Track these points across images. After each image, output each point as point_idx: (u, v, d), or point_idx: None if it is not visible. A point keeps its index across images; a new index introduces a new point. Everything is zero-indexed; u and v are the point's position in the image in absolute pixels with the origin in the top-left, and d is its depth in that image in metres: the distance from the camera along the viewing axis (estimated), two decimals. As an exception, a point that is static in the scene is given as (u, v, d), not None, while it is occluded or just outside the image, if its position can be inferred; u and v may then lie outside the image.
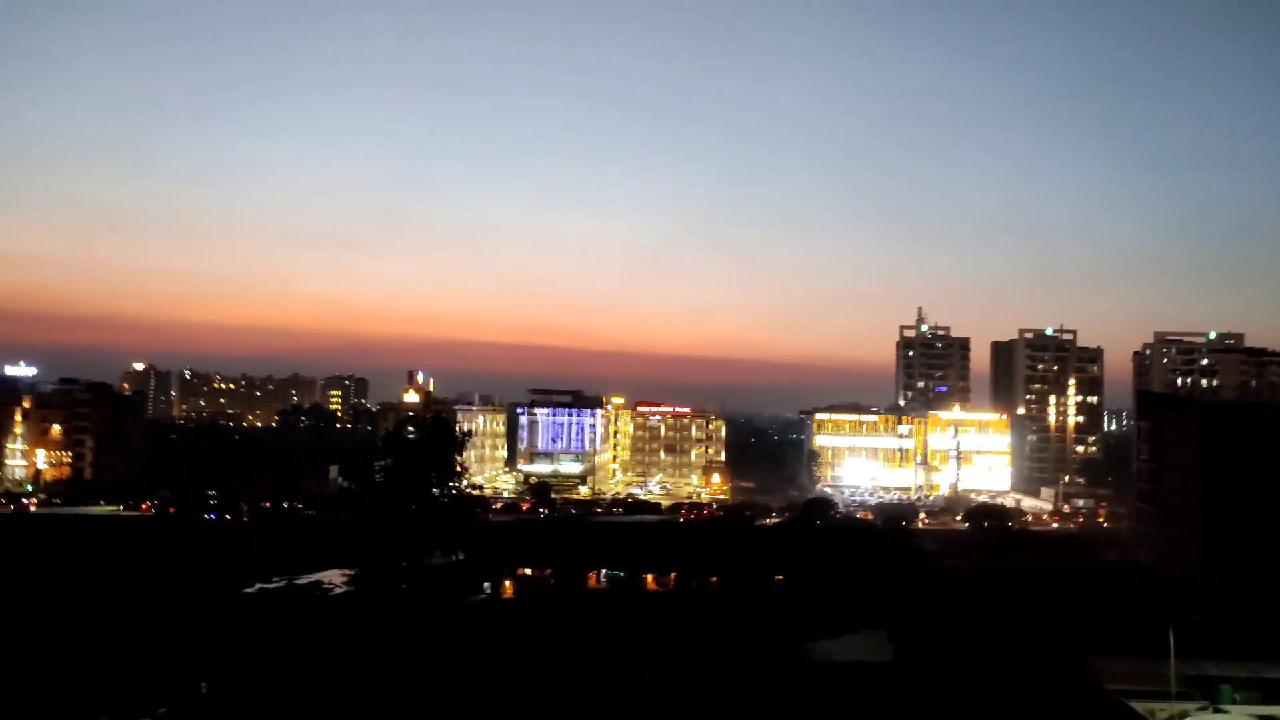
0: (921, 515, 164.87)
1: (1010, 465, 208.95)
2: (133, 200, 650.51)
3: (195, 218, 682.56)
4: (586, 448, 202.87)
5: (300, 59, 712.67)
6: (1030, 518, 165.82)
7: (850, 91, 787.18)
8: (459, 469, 74.97)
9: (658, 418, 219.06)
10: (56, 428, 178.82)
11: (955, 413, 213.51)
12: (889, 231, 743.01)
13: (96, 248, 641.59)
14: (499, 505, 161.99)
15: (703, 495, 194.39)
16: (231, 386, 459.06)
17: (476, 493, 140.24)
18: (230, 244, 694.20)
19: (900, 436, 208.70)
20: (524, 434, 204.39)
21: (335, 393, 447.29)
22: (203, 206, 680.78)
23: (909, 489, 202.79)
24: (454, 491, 73.13)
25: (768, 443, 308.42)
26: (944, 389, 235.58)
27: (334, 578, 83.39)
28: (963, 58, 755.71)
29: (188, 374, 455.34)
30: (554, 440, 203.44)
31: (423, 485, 69.85)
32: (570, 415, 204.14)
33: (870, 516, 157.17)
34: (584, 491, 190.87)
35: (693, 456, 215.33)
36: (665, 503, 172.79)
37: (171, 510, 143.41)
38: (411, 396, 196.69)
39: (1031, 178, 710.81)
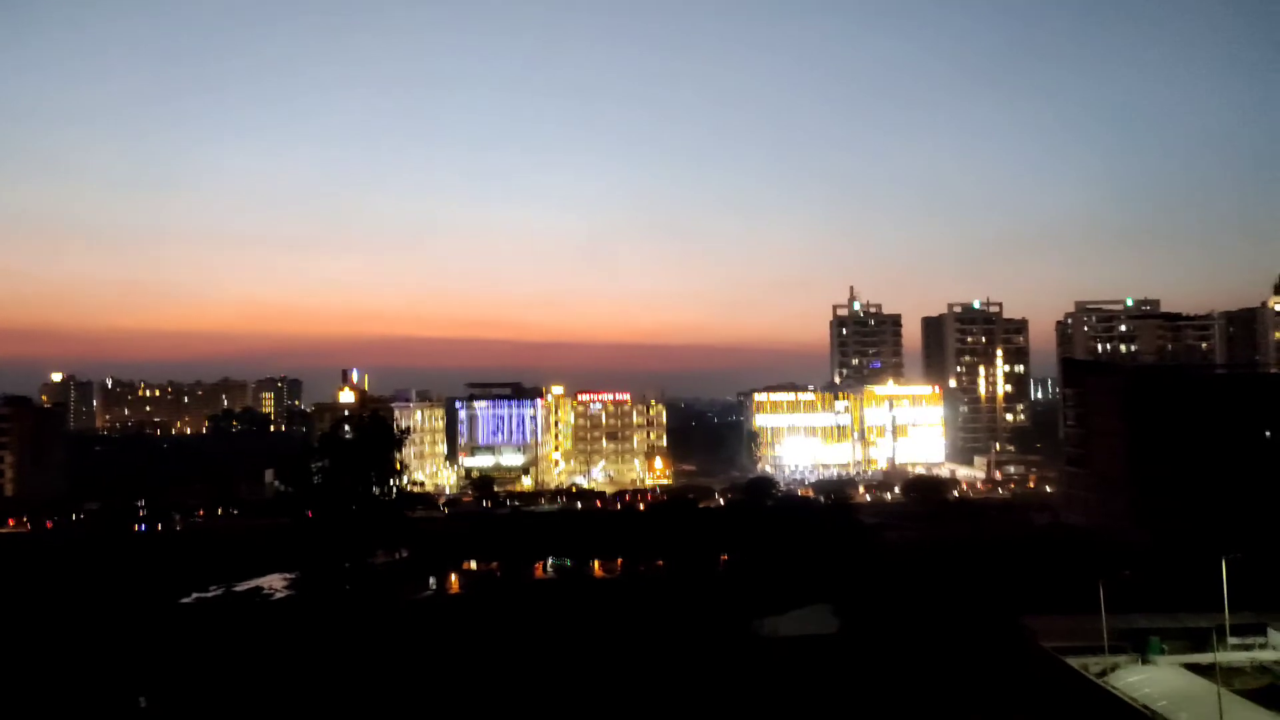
0: (861, 489, 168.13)
1: (944, 436, 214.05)
2: (58, 209, 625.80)
3: (123, 225, 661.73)
4: (528, 439, 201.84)
5: (228, 62, 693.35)
6: (965, 487, 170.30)
7: (785, 73, 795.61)
8: (398, 466, 73.88)
9: (598, 405, 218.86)
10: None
11: (890, 387, 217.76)
12: (823, 213, 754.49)
13: (19, 258, 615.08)
14: (442, 500, 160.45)
15: (646, 481, 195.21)
16: (158, 394, 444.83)
17: (418, 489, 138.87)
18: (158, 250, 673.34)
19: (837, 414, 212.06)
20: (464, 428, 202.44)
21: (268, 395, 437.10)
22: (131, 213, 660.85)
23: (848, 464, 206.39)
24: (394, 489, 72.09)
25: (709, 426, 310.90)
26: (878, 365, 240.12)
27: (274, 583, 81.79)
28: (885, 37, 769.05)
29: (109, 383, 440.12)
30: (495, 433, 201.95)
31: (362, 485, 68.69)
32: (510, 407, 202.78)
33: (811, 493, 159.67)
34: (527, 483, 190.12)
35: (635, 443, 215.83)
36: (609, 490, 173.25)
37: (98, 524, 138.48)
38: (347, 396, 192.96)
39: (956, 152, 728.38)
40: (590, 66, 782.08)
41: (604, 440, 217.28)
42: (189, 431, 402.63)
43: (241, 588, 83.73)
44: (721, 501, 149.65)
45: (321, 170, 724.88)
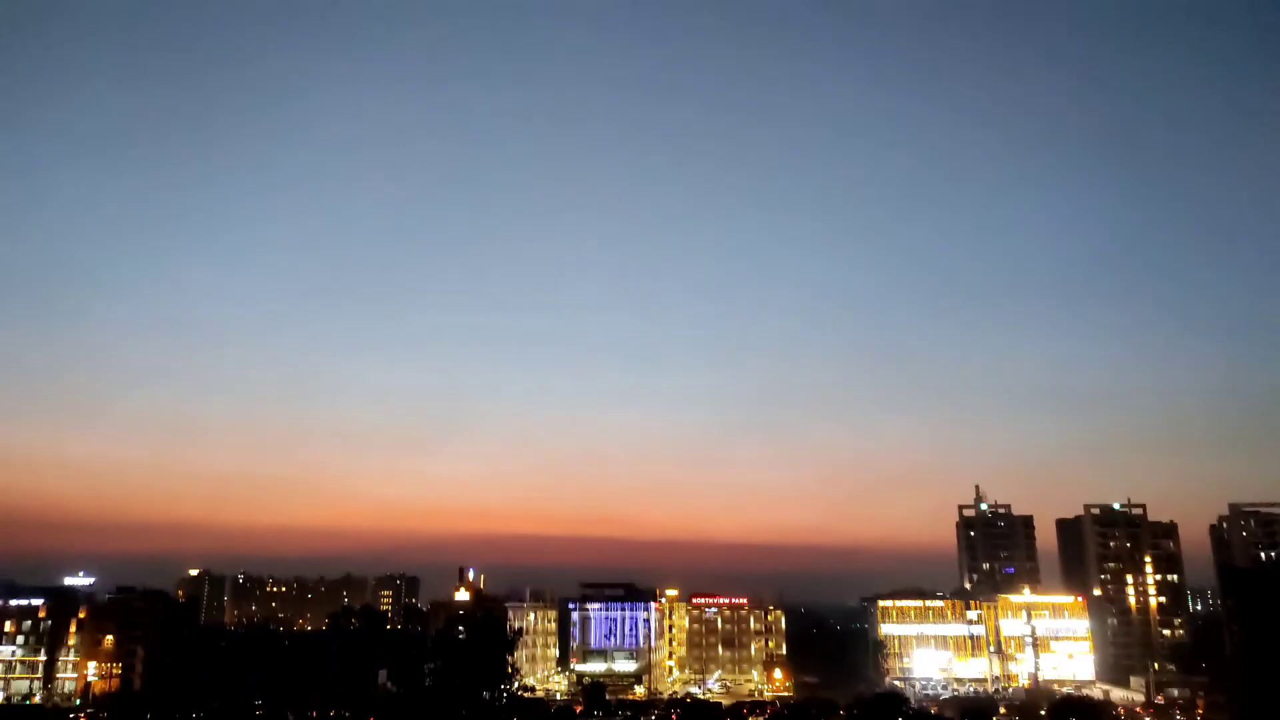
0: (1001, 710, 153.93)
1: (1092, 652, 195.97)
2: (199, 413, 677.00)
3: (259, 426, 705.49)
4: (640, 644, 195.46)
5: (348, 276, 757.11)
6: (1122, 711, 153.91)
7: (887, 268, 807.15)
8: (510, 670, 72.92)
9: (714, 610, 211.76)
10: (109, 638, 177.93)
11: (1026, 595, 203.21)
12: (938, 407, 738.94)
13: (164, 457, 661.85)
14: (553, 709, 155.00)
15: (765, 693, 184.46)
16: (284, 589, 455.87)
17: (529, 695, 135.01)
18: (291, 449, 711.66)
19: (969, 623, 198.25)
20: (576, 631, 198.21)
21: (386, 592, 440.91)
22: (266, 416, 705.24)
23: (984, 680, 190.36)
24: (505, 694, 70.78)
25: (829, 633, 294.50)
26: (1011, 570, 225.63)
27: (381, 792, 79.47)
28: (1007, 227, 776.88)
29: (241, 578, 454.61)
30: (607, 637, 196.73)
31: (473, 688, 67.84)
32: (623, 610, 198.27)
33: (946, 712, 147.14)
34: (639, 691, 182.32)
35: (752, 650, 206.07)
36: (726, 702, 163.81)
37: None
38: (462, 594, 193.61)
39: (1086, 345, 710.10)
40: (685, 272, 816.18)
41: (719, 647, 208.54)
42: (309, 628, 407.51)
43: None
44: (842, 718, 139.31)
45: (442, 376, 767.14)
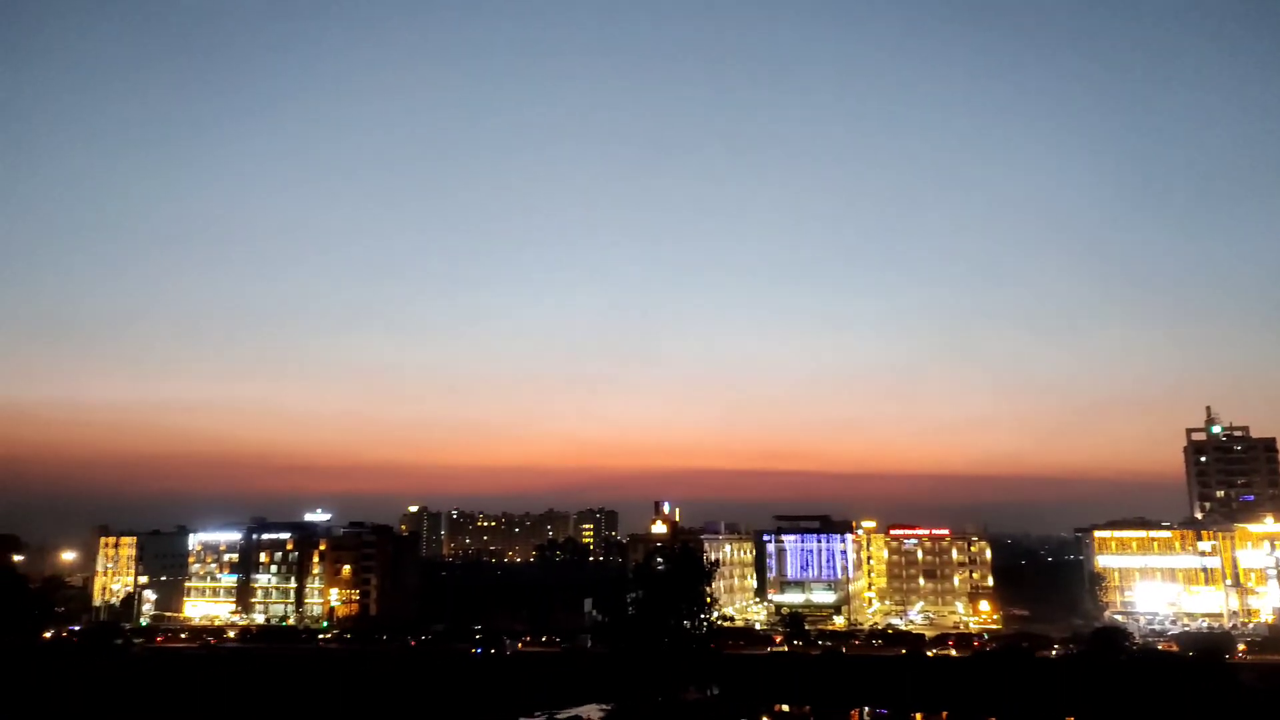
0: (1240, 647, 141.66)
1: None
2: (400, 358, 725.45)
3: (454, 370, 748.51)
4: (839, 575, 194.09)
5: (532, 215, 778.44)
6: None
7: (1101, 168, 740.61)
8: (709, 600, 73.98)
9: (913, 541, 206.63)
10: (347, 568, 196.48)
11: (1269, 525, 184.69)
12: (1161, 322, 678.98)
13: (370, 403, 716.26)
14: (752, 637, 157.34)
15: (971, 625, 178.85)
16: (493, 524, 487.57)
17: (728, 624, 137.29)
18: (485, 391, 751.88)
19: (1202, 555, 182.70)
20: (772, 562, 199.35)
21: (587, 526, 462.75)
22: (459, 359, 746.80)
23: (1220, 615, 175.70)
24: (705, 623, 71.96)
25: (1040, 565, 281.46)
26: (1250, 498, 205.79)
27: (591, 713, 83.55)
28: (1239, 120, 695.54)
29: (455, 514, 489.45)
30: (804, 568, 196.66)
31: (674, 617, 69.39)
32: (819, 541, 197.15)
33: (1174, 648, 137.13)
34: (839, 622, 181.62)
35: (955, 582, 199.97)
36: (929, 633, 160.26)
37: (444, 645, 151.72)
38: (659, 527, 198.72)
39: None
40: (885, 196, 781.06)
41: (921, 579, 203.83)
42: (518, 560, 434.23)
43: (561, 716, 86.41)
44: (1062, 652, 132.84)
45: (624, 311, 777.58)
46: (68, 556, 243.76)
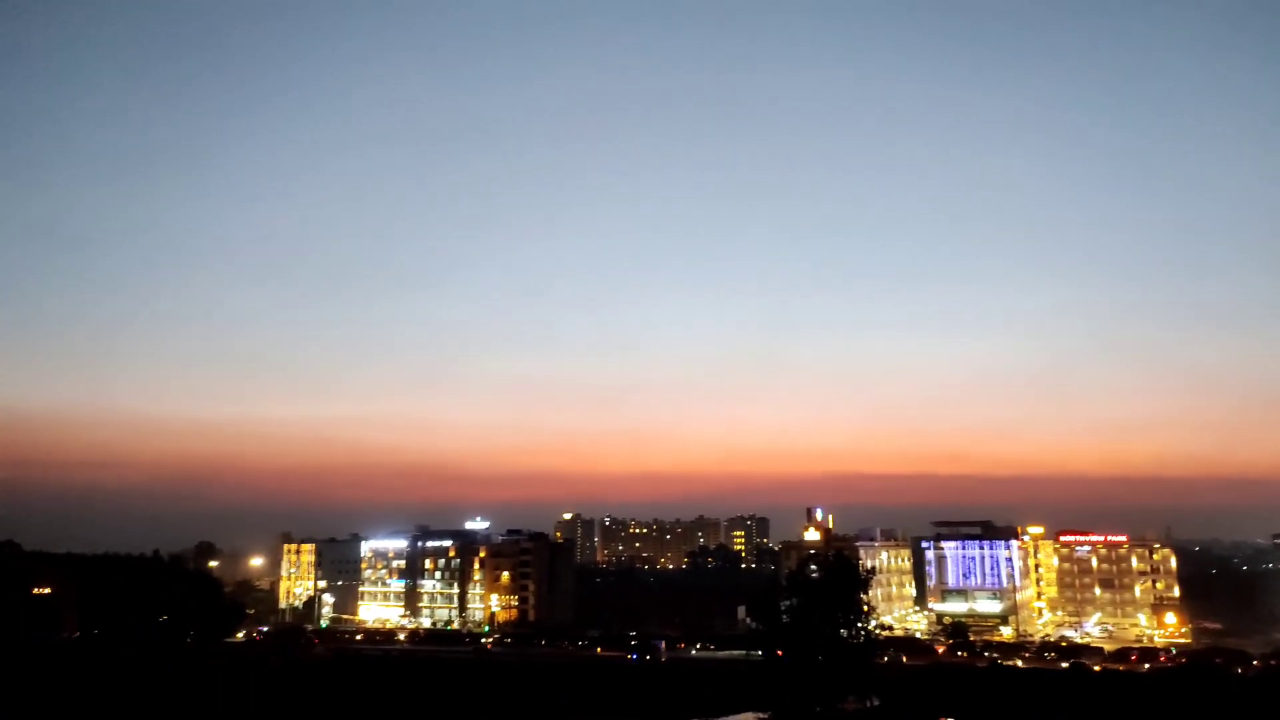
0: None
1: None
2: (550, 372, 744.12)
3: (601, 381, 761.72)
4: (1004, 584, 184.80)
5: (670, 227, 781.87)
6: None
7: (1269, 151, 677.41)
8: (865, 608, 71.91)
9: (1086, 548, 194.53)
10: (506, 575, 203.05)
11: None
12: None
13: (519, 415, 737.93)
14: (912, 646, 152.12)
15: (1155, 639, 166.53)
16: (645, 531, 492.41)
17: (886, 633, 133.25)
18: (633, 401, 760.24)
19: None
20: (931, 570, 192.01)
21: (738, 533, 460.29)
22: (606, 371, 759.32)
23: None
24: (863, 632, 69.97)
25: (1233, 574, 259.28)
26: None
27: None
28: None
29: (607, 521, 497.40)
30: (965, 576, 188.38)
31: (830, 625, 67.83)
32: (981, 548, 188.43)
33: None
34: (1006, 633, 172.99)
35: (1136, 593, 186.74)
36: (1108, 647, 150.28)
37: (599, 651, 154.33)
38: (812, 534, 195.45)
39: None
40: (1022, 181, 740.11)
41: (1096, 588, 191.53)
42: (670, 566, 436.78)
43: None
44: (1255, 669, 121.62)
45: (768, 317, 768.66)
46: (255, 562, 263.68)
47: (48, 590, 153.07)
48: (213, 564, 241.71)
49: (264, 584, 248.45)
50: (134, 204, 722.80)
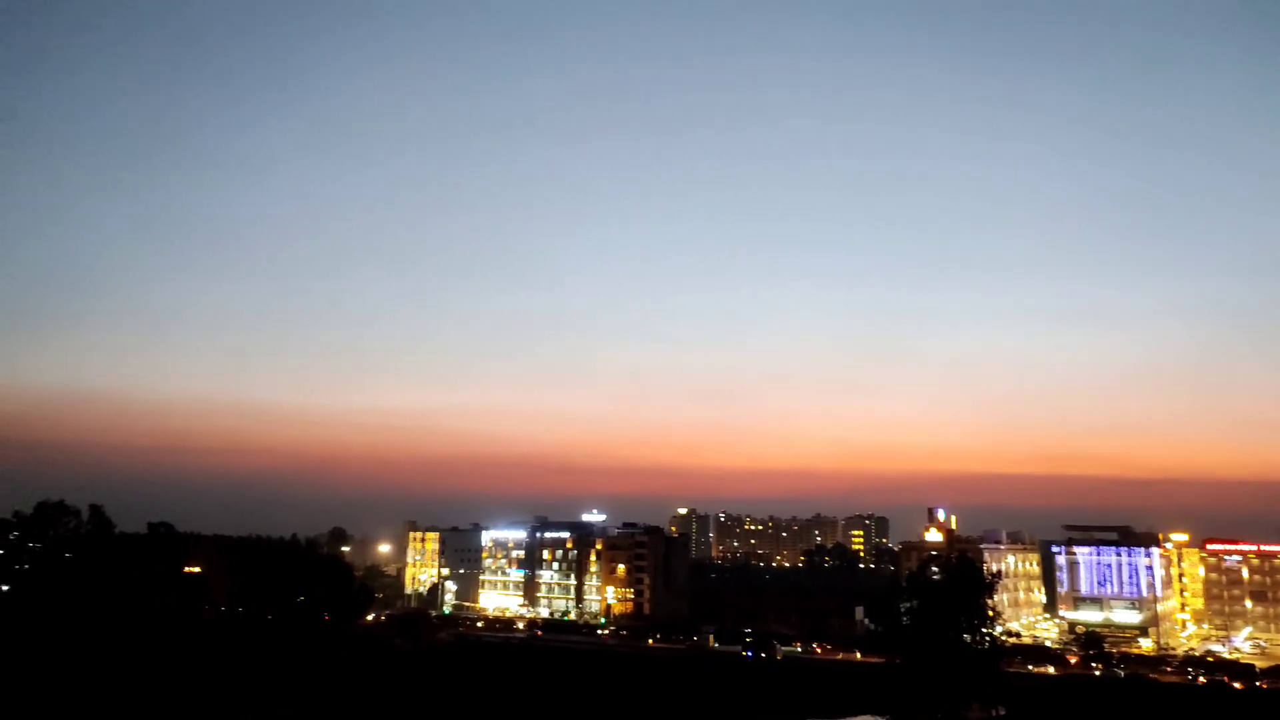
0: None
1: None
2: (664, 364, 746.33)
3: (716, 374, 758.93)
4: (1143, 593, 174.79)
5: (786, 218, 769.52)
6: None
7: None
8: (991, 613, 69.39)
9: (1236, 558, 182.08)
10: (621, 567, 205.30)
11: None
12: None
13: (630, 407, 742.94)
14: (1042, 655, 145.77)
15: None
16: (760, 528, 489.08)
17: (1013, 640, 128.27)
18: (748, 395, 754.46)
19: None
20: (1063, 576, 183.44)
21: (856, 532, 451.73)
22: (720, 364, 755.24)
23: None
24: (988, 637, 67.58)
25: None
26: None
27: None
28: None
29: (722, 517, 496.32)
30: (1100, 584, 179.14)
31: (952, 629, 65.84)
32: (1118, 555, 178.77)
33: None
34: (1146, 645, 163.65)
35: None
36: (1259, 664, 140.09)
37: (715, 646, 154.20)
38: (933, 535, 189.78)
39: None
40: (1151, 161, 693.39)
41: (1247, 601, 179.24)
42: (786, 564, 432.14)
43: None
44: None
45: (885, 311, 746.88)
46: (383, 549, 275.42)
47: (197, 569, 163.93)
48: (344, 549, 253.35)
49: (391, 570, 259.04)
50: (276, 207, 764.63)
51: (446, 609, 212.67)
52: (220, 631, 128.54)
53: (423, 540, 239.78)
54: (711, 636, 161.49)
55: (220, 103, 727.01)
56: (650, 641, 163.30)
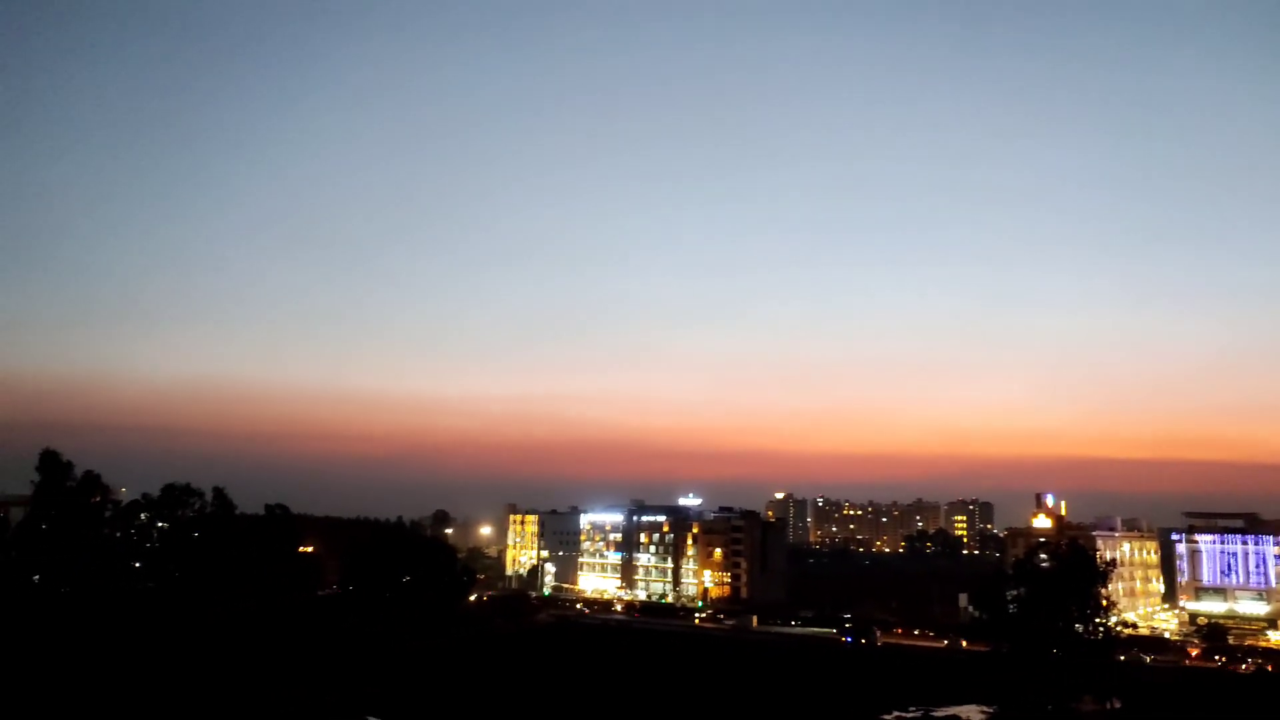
0: None
1: None
2: (761, 349, 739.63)
3: (812, 359, 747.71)
4: (1272, 583, 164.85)
5: (880, 200, 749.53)
6: None
7: None
8: (1105, 603, 66.67)
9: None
10: (718, 551, 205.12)
11: None
12: None
13: (718, 392, 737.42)
14: (1160, 647, 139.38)
15: None
16: (859, 513, 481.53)
17: (1129, 631, 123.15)
18: (846, 379, 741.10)
19: None
20: (1183, 565, 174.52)
21: (959, 518, 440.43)
22: (817, 349, 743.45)
23: None
24: (1101, 628, 64.97)
25: None
26: None
27: (972, 714, 79.16)
28: None
29: (820, 502, 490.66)
30: (1225, 573, 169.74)
31: (1062, 619, 63.55)
32: (1244, 544, 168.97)
33: None
34: (1274, 638, 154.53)
35: None
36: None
37: (813, 632, 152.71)
38: (1041, 521, 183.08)
39: None
40: (1267, 131, 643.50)
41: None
42: (886, 550, 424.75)
43: (939, 714, 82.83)
44: None
45: (986, 292, 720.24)
46: (484, 531, 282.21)
47: (310, 549, 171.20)
48: (447, 531, 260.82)
49: (491, 551, 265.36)
50: (373, 202, 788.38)
51: (546, 590, 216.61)
52: (332, 609, 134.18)
53: (523, 523, 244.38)
54: (754, 618, 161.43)
55: (302, 89, 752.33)
56: (754, 623, 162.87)
